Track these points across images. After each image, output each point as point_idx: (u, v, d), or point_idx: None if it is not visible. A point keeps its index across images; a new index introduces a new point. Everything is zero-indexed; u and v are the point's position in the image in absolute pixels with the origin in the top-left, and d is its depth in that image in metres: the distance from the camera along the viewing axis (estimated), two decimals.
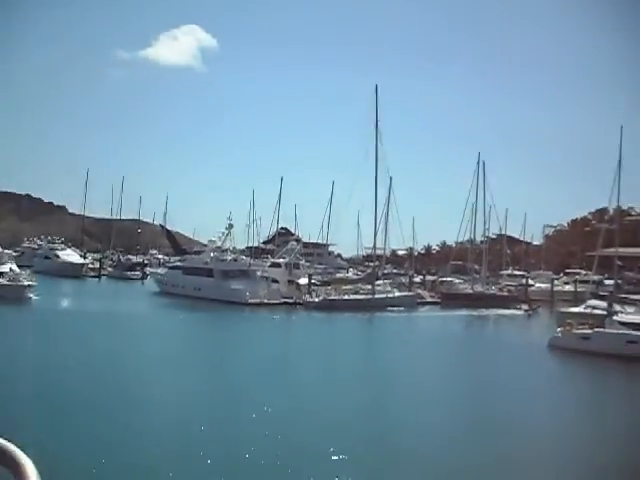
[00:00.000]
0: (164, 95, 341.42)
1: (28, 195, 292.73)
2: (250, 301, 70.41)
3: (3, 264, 65.53)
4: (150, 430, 21.75)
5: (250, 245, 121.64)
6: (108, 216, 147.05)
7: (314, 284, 78.69)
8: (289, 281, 77.97)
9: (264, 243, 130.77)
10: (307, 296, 73.62)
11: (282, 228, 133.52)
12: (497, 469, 19.59)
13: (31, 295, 61.46)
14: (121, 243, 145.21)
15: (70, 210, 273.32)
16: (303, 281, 78.56)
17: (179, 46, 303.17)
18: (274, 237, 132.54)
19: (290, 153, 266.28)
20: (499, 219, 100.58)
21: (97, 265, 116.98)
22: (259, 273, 77.02)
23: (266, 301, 71.87)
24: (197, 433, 20.96)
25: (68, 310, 59.26)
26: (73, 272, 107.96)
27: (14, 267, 65.67)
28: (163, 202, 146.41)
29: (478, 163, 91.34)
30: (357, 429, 23.47)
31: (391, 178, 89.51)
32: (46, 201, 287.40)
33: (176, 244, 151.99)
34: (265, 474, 18.06)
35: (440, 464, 19.64)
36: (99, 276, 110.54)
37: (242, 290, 71.70)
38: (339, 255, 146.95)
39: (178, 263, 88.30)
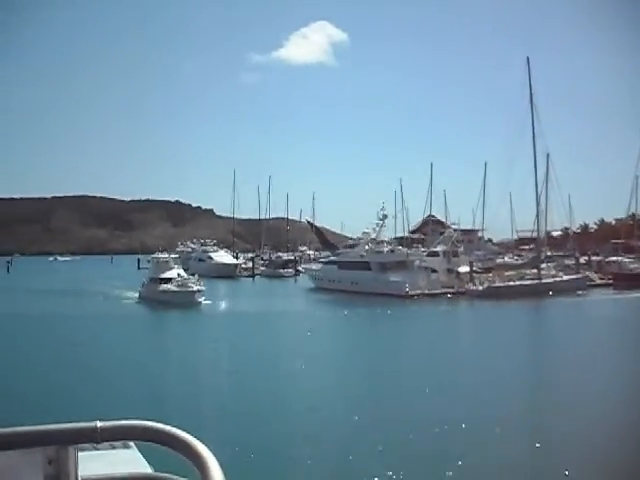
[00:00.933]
0: (300, 93, 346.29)
1: (177, 201, 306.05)
2: (410, 293, 67.32)
3: (171, 269, 65.22)
4: (325, 432, 19.69)
5: (399, 235, 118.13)
6: (254, 216, 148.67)
7: (475, 272, 74.52)
8: (448, 270, 74.18)
9: (412, 232, 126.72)
10: (470, 284, 69.57)
11: (430, 216, 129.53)
12: None
13: (201, 300, 60.67)
14: (269, 242, 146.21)
15: (218, 213, 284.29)
16: (463, 269, 74.49)
17: (310, 44, 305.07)
18: (422, 226, 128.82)
19: (437, 140, 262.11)
20: None
21: (249, 265, 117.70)
22: (417, 263, 73.63)
23: (427, 292, 68.56)
24: (365, 438, 18.53)
25: (238, 312, 56.72)
26: (227, 273, 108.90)
27: (182, 272, 65.51)
28: (308, 199, 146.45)
29: None
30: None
31: (548, 155, 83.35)
32: (194, 206, 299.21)
33: (324, 239, 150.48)
34: None
35: None
36: (253, 275, 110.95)
37: (401, 282, 68.68)
38: (490, 240, 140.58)
39: (333, 258, 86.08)
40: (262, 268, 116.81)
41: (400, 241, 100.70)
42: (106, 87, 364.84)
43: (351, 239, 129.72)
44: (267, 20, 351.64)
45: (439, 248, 79.20)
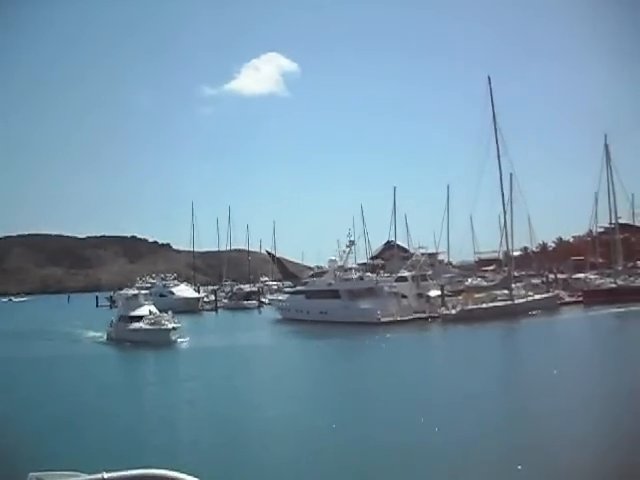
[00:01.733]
0: (253, 124, 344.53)
1: (134, 237, 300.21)
2: (382, 320, 65.02)
3: (141, 306, 60.51)
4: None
5: (360, 262, 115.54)
6: (212, 248, 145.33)
7: (445, 295, 72.64)
8: (418, 294, 72.13)
9: (372, 258, 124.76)
10: (442, 309, 67.58)
11: (390, 241, 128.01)
12: None
13: (176, 338, 55.86)
14: (230, 273, 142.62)
15: (175, 247, 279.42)
16: (433, 293, 72.54)
17: (261, 75, 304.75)
18: (382, 251, 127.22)
19: (396, 165, 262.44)
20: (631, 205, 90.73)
21: (212, 298, 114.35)
22: (386, 289, 71.37)
23: (399, 318, 66.33)
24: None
25: (213, 350, 53.27)
26: (189, 307, 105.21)
27: (153, 308, 60.04)
28: (266, 229, 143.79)
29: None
30: None
31: (511, 175, 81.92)
32: (151, 241, 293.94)
33: (285, 269, 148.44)
34: None
35: None
36: (216, 309, 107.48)
37: (372, 309, 66.46)
38: (449, 263, 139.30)
39: (299, 287, 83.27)
40: (225, 301, 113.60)
41: (362, 267, 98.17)
42: (56, 121, 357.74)
43: (312, 268, 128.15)
44: (218, 53, 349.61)
45: (407, 273, 77.10)
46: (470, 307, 66.11)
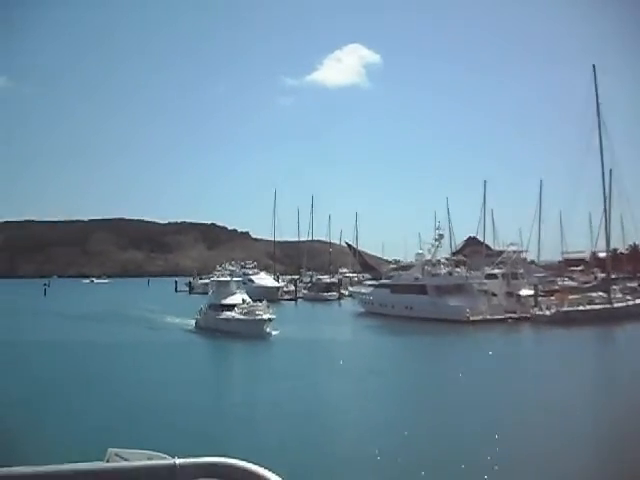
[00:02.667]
0: (334, 115, 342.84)
1: (213, 224, 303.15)
2: (472, 318, 61.76)
3: (234, 294, 57.46)
4: None
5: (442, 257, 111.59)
6: (290, 238, 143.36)
7: (533, 295, 68.59)
8: (508, 293, 68.36)
9: (453, 254, 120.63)
10: (535, 309, 63.76)
11: (471, 237, 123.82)
12: None
13: (269, 329, 51.78)
14: (307, 264, 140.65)
15: (253, 235, 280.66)
16: (525, 292, 68.61)
17: (344, 66, 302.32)
18: (463, 247, 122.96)
19: (480, 158, 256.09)
20: None
21: (291, 288, 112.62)
22: (476, 286, 67.90)
23: (489, 317, 62.92)
24: None
25: (307, 343, 50.00)
26: (269, 296, 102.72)
27: (246, 297, 56.99)
28: (344, 220, 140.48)
29: None
30: None
31: (611, 171, 76.91)
32: (230, 229, 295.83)
33: (364, 262, 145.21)
34: None
35: None
36: (295, 299, 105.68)
37: (461, 306, 63.25)
38: (533, 262, 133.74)
39: (384, 281, 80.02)
40: (304, 291, 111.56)
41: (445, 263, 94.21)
42: (143, 112, 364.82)
43: (390, 261, 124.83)
44: (300, 44, 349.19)
45: (497, 270, 73.31)
46: (566, 309, 62.00)
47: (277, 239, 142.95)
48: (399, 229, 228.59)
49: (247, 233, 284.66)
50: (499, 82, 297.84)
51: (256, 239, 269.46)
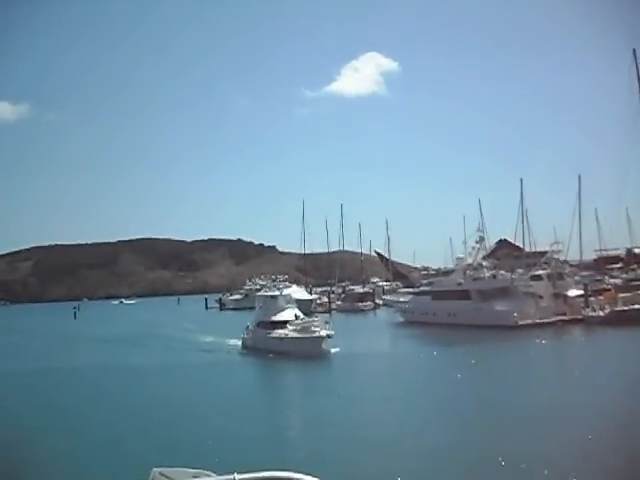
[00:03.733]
0: (353, 124, 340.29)
1: (239, 239, 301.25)
2: (520, 322, 58.24)
3: (284, 309, 51.93)
4: None
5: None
6: (318, 249, 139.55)
7: (582, 296, 64.80)
8: (555, 294, 64.63)
9: (483, 258, 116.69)
10: (588, 310, 60.02)
11: (503, 240, 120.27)
12: None
13: (328, 347, 45.99)
14: (331, 275, 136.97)
15: (280, 249, 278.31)
16: (572, 293, 64.88)
17: (361, 76, 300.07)
18: (495, 250, 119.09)
19: (508, 159, 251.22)
20: None
21: (324, 300, 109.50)
22: (522, 289, 64.31)
23: (538, 321, 59.30)
24: None
25: (364, 360, 45.44)
26: (303, 309, 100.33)
27: (298, 312, 52.25)
28: (371, 230, 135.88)
29: None
30: None
31: None
32: (257, 243, 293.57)
33: (396, 270, 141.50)
34: None
35: None
36: (329, 311, 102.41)
37: (508, 311, 59.72)
38: (565, 261, 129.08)
39: (424, 288, 76.62)
40: (338, 302, 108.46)
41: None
42: (161, 130, 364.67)
43: (419, 269, 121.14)
44: (318, 57, 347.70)
45: (542, 271, 69.61)
46: (621, 308, 58.15)
47: (299, 252, 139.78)
48: (427, 235, 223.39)
49: (274, 247, 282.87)
50: (524, 80, 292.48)
51: (282, 252, 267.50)
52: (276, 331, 48.80)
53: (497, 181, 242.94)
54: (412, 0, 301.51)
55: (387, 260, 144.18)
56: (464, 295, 64.83)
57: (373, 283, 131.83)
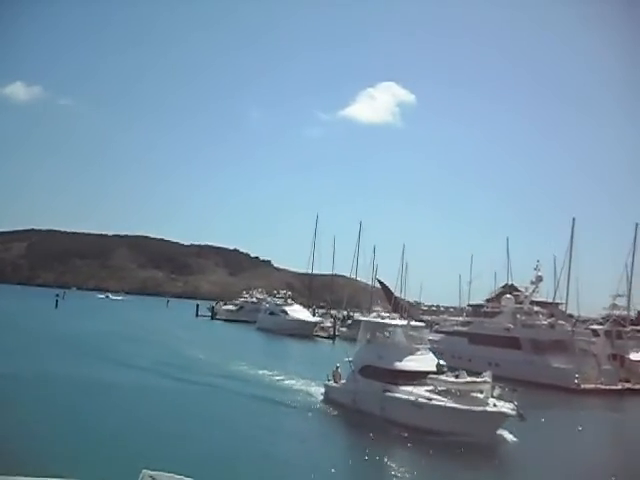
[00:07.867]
0: (364, 150, 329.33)
1: (236, 249, 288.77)
2: (582, 386, 46.16)
3: (413, 353, 31.31)
4: None
5: (473, 303, 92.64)
6: (318, 270, 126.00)
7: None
8: (612, 355, 52.63)
9: (487, 301, 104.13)
10: None
11: (508, 284, 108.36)
12: None
13: (503, 436, 26.63)
14: (327, 297, 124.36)
15: (275, 265, 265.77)
16: (635, 356, 52.96)
17: (377, 104, 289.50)
18: (499, 294, 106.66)
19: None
20: None
21: (327, 324, 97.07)
22: (581, 345, 52.22)
23: (602, 387, 47.22)
24: None
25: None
26: (303, 331, 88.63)
27: (442, 361, 30.57)
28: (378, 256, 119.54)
29: None
30: None
31: None
32: (253, 256, 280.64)
33: (396, 302, 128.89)
34: None
35: None
36: (333, 337, 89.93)
37: (568, 370, 47.66)
38: (570, 316, 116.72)
39: (460, 328, 64.25)
40: (342, 329, 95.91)
41: (475, 310, 76.62)
42: (171, 129, 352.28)
43: (425, 307, 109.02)
44: (335, 81, 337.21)
45: (598, 326, 57.61)
46: None
47: (299, 270, 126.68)
48: (434, 270, 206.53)
49: (269, 262, 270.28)
50: (546, 119, 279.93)
51: (278, 268, 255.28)
52: (404, 389, 28.72)
53: (510, 221, 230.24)
54: (433, 34, 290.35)
55: (389, 290, 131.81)
56: (512, 343, 52.82)
57: (376, 312, 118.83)
